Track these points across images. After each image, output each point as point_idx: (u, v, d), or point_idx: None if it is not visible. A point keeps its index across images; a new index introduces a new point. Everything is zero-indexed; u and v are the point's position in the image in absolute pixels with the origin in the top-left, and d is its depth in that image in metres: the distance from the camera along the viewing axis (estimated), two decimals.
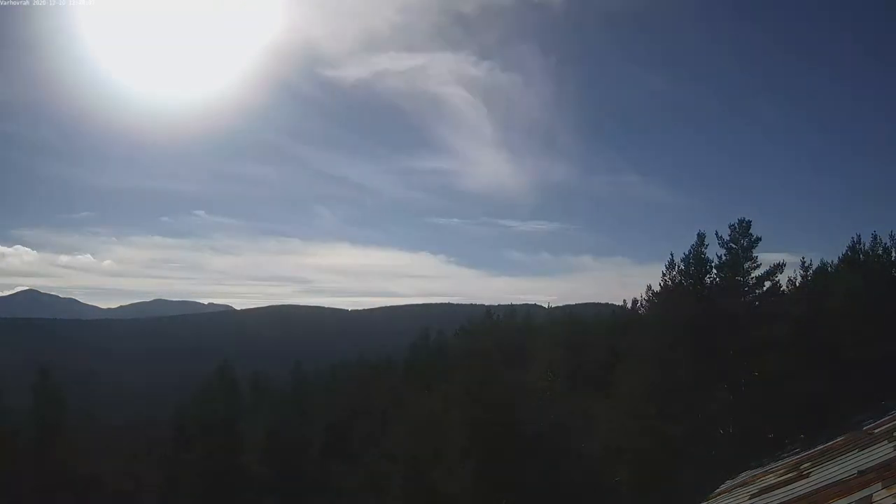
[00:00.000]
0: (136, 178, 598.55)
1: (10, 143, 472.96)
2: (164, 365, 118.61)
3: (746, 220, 18.29)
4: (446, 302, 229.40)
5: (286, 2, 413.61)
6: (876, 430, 10.54)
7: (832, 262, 22.48)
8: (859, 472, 7.75)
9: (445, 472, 19.97)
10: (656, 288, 21.31)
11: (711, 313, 17.96)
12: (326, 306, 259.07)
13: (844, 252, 21.14)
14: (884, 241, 19.84)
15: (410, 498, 20.60)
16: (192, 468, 28.10)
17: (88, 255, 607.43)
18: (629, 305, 42.21)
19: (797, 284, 20.79)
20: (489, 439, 20.38)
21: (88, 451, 28.00)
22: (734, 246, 18.26)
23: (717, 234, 18.55)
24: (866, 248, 20.28)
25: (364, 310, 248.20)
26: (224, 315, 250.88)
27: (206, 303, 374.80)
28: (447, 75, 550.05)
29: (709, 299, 18.48)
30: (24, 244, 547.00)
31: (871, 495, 6.36)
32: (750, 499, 9.74)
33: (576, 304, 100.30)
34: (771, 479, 10.74)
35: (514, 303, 62.43)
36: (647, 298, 26.34)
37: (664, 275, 19.38)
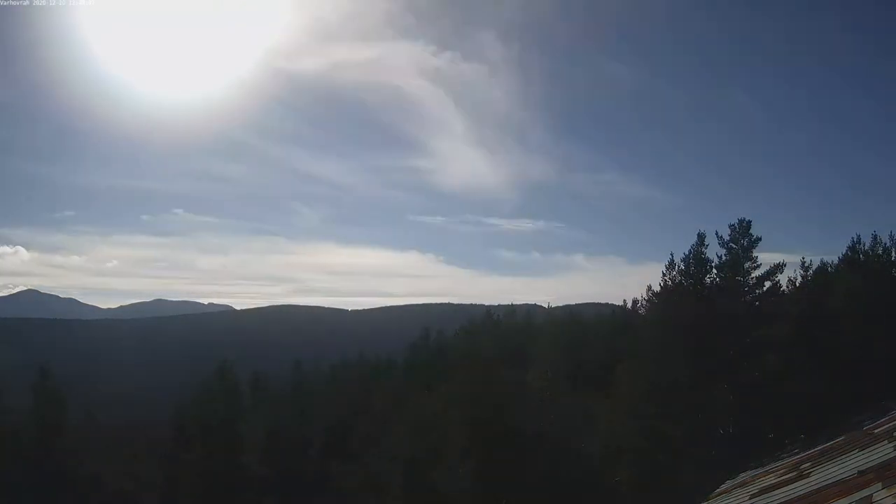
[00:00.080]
0: (113, 176, 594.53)
1: None
2: (164, 365, 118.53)
3: (746, 220, 18.29)
4: (446, 302, 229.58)
5: None
6: (876, 430, 10.54)
7: (832, 262, 22.52)
8: (859, 472, 7.75)
9: (445, 472, 19.98)
10: (656, 288, 21.32)
11: (711, 313, 17.95)
12: (326, 306, 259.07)
13: (844, 252, 21.16)
14: (884, 241, 19.86)
15: (410, 498, 20.61)
16: (192, 468, 28.10)
17: (74, 256, 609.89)
18: (629, 305, 42.35)
19: (797, 284, 20.78)
20: (489, 439, 20.39)
21: (88, 451, 28.03)
22: (734, 246, 18.25)
23: (717, 234, 18.55)
24: (866, 248, 20.29)
25: (364, 310, 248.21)
26: (224, 315, 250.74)
27: (206, 303, 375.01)
28: (407, 66, 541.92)
29: (709, 299, 18.46)
30: (10, 243, 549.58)
31: (871, 495, 6.35)
32: (750, 499, 9.74)
33: (576, 304, 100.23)
34: (771, 480, 10.74)
35: (513, 303, 62.31)
36: (647, 298, 26.40)
37: (664, 275, 19.37)
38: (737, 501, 10.20)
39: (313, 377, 42.46)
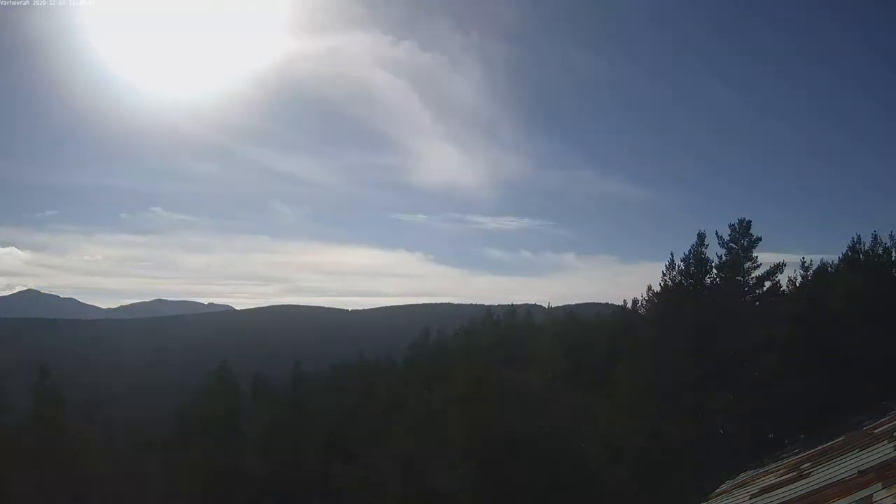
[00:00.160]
0: (89, 175, 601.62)
1: None
2: (164, 365, 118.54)
3: (746, 220, 18.32)
4: (445, 302, 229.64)
5: None
6: (876, 430, 10.53)
7: (832, 262, 22.52)
8: (859, 472, 7.75)
9: (445, 472, 19.96)
10: (656, 288, 21.31)
11: (711, 313, 17.95)
12: (326, 306, 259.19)
13: (844, 252, 21.15)
14: (884, 241, 19.85)
15: (410, 498, 20.58)
16: (192, 468, 28.08)
17: (60, 255, 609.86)
18: (629, 305, 42.26)
19: (797, 284, 20.77)
20: (489, 439, 20.38)
21: (88, 451, 27.98)
22: (734, 246, 18.26)
23: (717, 234, 18.57)
24: (866, 248, 20.27)
25: (364, 310, 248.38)
26: (224, 315, 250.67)
27: (205, 303, 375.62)
28: (365, 57, 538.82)
29: (709, 299, 18.47)
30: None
31: (871, 495, 6.35)
32: (750, 499, 9.74)
33: (576, 305, 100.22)
34: (771, 480, 10.74)
35: (513, 303, 62.28)
36: (647, 298, 26.36)
37: (664, 275, 19.38)
38: (737, 501, 10.20)
39: (313, 377, 42.46)
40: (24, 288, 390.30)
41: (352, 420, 30.90)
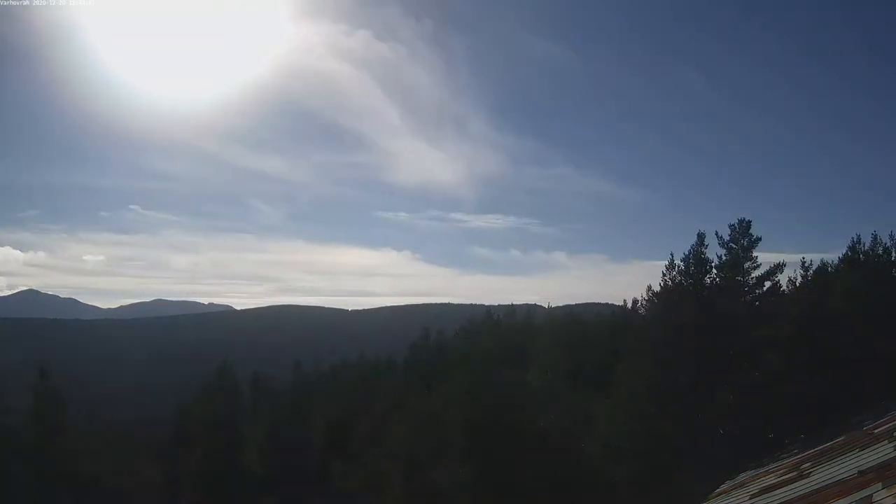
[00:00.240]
0: (67, 173, 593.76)
1: None
2: (164, 365, 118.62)
3: (746, 220, 18.26)
4: (445, 302, 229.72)
5: None
6: (876, 430, 10.53)
7: (832, 262, 22.51)
8: (859, 472, 7.74)
9: (445, 472, 19.97)
10: (656, 288, 21.31)
11: (711, 313, 17.95)
12: (326, 306, 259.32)
13: (844, 252, 21.13)
14: (884, 241, 19.79)
15: (410, 498, 20.59)
16: (192, 468, 28.09)
17: (45, 254, 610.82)
18: (629, 305, 42.30)
19: (797, 284, 20.76)
20: (489, 439, 20.38)
21: (88, 451, 27.99)
22: (734, 246, 18.23)
23: (717, 234, 18.54)
24: (866, 248, 20.25)
25: (364, 310, 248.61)
26: (224, 315, 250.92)
27: (206, 302, 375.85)
28: (321, 48, 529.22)
29: (709, 299, 18.46)
30: None
31: (871, 495, 6.35)
32: (750, 499, 9.74)
33: (576, 304, 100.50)
34: (771, 480, 10.73)
35: (513, 303, 62.36)
36: (647, 298, 26.36)
37: (664, 275, 19.35)
38: (737, 501, 10.20)
39: (313, 377, 42.52)
40: (24, 288, 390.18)
41: (352, 420, 30.93)
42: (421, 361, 39.27)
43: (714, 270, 18.70)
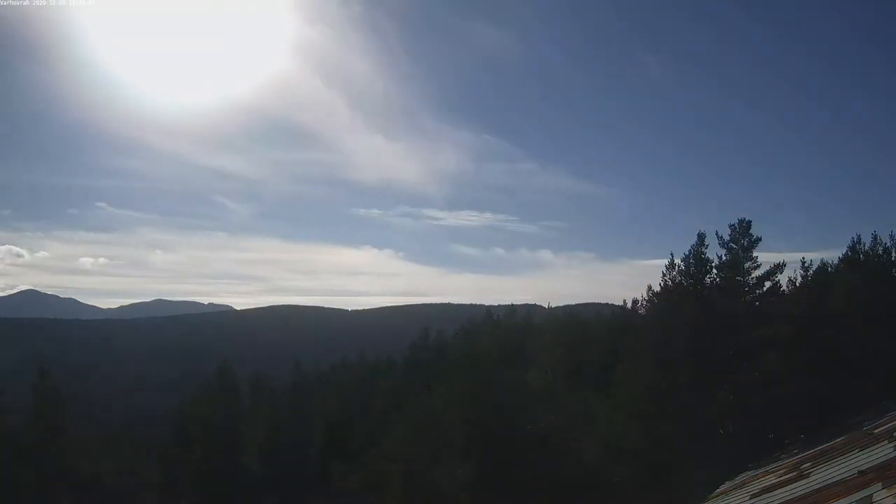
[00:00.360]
0: (30, 172, 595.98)
1: None
2: (164, 365, 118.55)
3: (746, 220, 18.27)
4: (445, 302, 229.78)
5: None
6: (876, 430, 10.53)
7: (832, 262, 22.52)
8: (859, 472, 7.74)
9: (445, 472, 19.96)
10: (656, 288, 21.31)
11: (711, 313, 17.95)
12: (326, 306, 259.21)
13: (844, 252, 21.15)
14: (884, 241, 19.84)
15: (410, 498, 20.59)
16: (192, 468, 28.08)
17: (25, 251, 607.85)
18: (629, 305, 42.26)
19: (797, 284, 20.77)
20: (489, 439, 20.37)
21: (88, 450, 28.00)
22: (734, 246, 18.24)
23: (717, 234, 18.55)
24: (866, 248, 20.28)
25: (364, 310, 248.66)
26: (224, 315, 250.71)
27: (206, 302, 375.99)
28: (255, 37, 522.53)
29: (709, 299, 18.46)
30: None
31: (871, 495, 6.35)
32: (750, 499, 9.73)
33: (576, 304, 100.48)
34: (771, 480, 10.73)
35: (513, 302, 62.34)
36: (647, 298, 26.38)
37: (664, 275, 19.38)
38: (737, 502, 10.19)
39: (313, 377, 42.50)
40: (25, 288, 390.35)
41: (352, 420, 30.93)
42: (421, 361, 39.26)
43: (714, 270, 18.71)
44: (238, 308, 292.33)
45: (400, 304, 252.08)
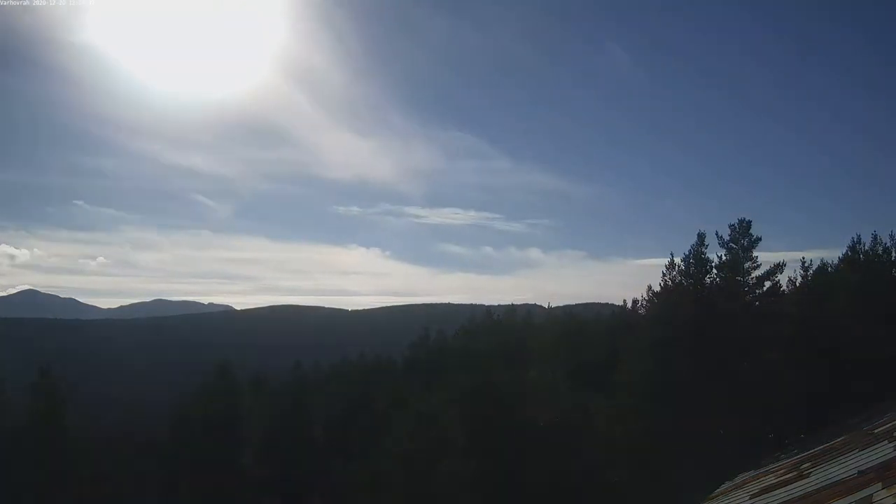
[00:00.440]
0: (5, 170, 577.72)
1: None
2: (164, 365, 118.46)
3: (746, 220, 18.32)
4: (445, 302, 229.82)
5: None
6: (876, 430, 10.52)
7: (832, 262, 22.54)
8: (859, 472, 7.74)
9: (445, 472, 19.96)
10: (656, 288, 21.33)
11: (711, 313, 17.96)
12: (326, 306, 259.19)
13: (844, 252, 21.17)
14: (884, 241, 19.87)
15: (411, 497, 20.59)
16: (192, 468, 28.08)
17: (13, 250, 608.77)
18: (629, 305, 42.31)
19: (797, 284, 20.79)
20: (489, 439, 20.37)
21: (88, 450, 27.98)
22: (734, 246, 18.25)
23: (717, 234, 18.58)
24: (866, 247, 20.29)
25: (364, 310, 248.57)
26: (224, 315, 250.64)
27: (206, 302, 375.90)
28: (212, 31, 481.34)
29: (709, 299, 18.47)
30: None
31: (871, 495, 6.35)
32: (750, 499, 9.73)
33: (576, 304, 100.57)
34: (771, 480, 10.73)
35: (513, 302, 62.40)
36: (647, 298, 26.42)
37: (664, 275, 19.42)
38: (737, 501, 10.19)
39: (313, 377, 42.49)
40: (24, 288, 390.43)
41: (352, 420, 30.93)
42: (421, 361, 39.27)
43: (714, 270, 18.72)
44: (238, 308, 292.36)
45: (399, 303, 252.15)
